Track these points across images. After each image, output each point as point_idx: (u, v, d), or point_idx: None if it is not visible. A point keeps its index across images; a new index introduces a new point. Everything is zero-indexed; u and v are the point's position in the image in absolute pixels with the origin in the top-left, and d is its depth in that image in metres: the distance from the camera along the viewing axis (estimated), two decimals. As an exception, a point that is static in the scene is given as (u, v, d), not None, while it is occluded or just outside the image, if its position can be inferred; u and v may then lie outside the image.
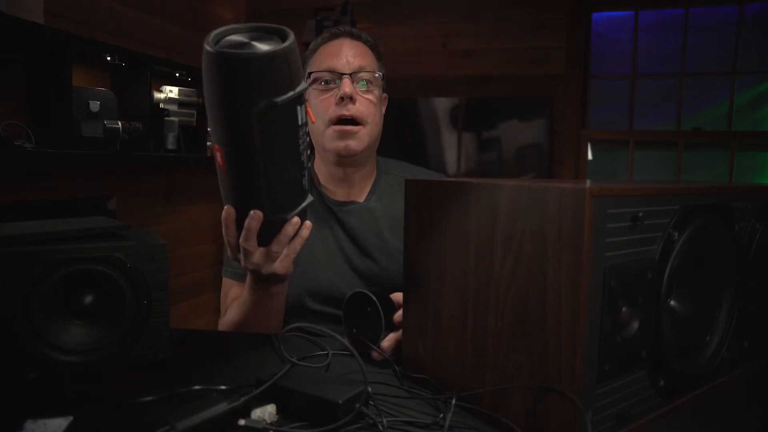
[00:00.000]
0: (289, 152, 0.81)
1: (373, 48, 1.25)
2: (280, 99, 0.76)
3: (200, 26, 3.11)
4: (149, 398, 0.69)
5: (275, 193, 0.82)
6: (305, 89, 0.80)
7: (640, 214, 0.62)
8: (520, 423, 0.63)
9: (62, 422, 0.63)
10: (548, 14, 3.07)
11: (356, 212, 1.23)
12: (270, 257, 0.87)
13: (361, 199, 1.25)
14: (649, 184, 0.71)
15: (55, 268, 0.73)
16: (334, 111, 1.16)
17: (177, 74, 2.73)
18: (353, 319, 0.89)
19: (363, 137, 1.18)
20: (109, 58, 2.37)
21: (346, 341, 0.76)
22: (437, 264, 0.74)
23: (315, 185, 1.26)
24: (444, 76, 3.26)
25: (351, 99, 1.15)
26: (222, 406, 0.62)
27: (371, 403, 0.67)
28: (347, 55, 1.18)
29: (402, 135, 3.31)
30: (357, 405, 0.64)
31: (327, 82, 1.18)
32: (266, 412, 0.64)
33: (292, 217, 0.85)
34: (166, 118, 2.62)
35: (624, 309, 0.62)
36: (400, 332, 0.85)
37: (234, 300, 1.14)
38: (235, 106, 0.76)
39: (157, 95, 2.63)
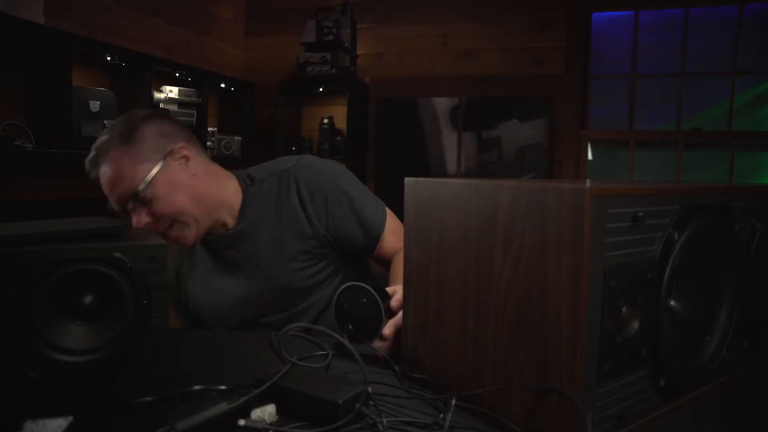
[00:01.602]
0: None
1: (125, 151, 1.11)
2: None
3: (200, 26, 3.11)
4: (149, 398, 0.69)
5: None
6: None
7: (640, 214, 0.62)
8: (520, 423, 0.63)
9: (62, 422, 0.63)
10: (548, 14, 3.07)
11: (227, 241, 1.19)
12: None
13: (231, 226, 1.19)
14: (649, 184, 0.71)
15: (55, 268, 0.73)
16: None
17: (177, 74, 2.74)
18: (347, 316, 0.88)
19: (186, 231, 1.13)
20: (109, 58, 2.37)
21: (346, 341, 0.76)
22: (437, 264, 0.74)
23: None
24: (444, 76, 3.26)
25: (147, 225, 1.09)
26: (222, 406, 0.62)
27: (371, 403, 0.67)
28: (108, 194, 1.11)
29: (402, 135, 3.31)
30: (357, 405, 0.64)
31: None
32: (266, 412, 0.64)
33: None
34: (166, 118, 2.62)
35: (624, 309, 0.62)
36: (399, 317, 0.84)
37: None
38: None
39: (157, 95, 2.63)
